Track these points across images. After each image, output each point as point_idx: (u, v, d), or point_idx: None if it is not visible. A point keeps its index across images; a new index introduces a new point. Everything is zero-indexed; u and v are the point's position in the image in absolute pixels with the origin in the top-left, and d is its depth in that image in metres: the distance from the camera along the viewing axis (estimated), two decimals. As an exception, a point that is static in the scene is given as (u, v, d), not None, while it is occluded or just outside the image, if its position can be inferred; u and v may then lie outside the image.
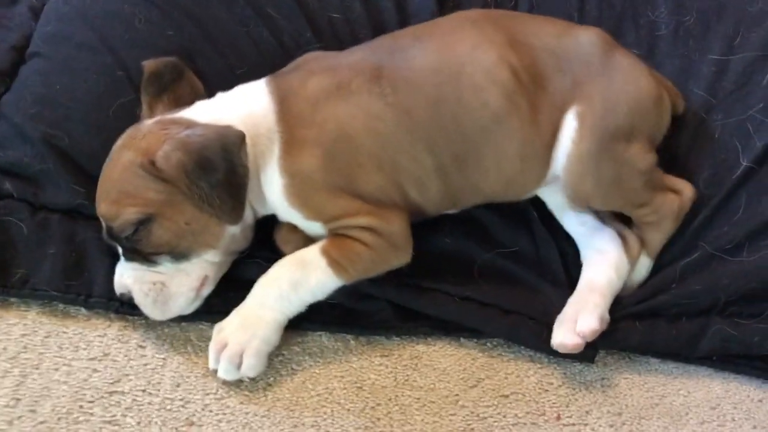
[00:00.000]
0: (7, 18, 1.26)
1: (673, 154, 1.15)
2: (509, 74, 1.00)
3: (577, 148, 1.01)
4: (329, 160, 0.96)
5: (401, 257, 1.01)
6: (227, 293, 1.00)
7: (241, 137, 0.92)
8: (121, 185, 0.93)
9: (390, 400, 0.97)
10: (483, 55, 1.00)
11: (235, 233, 0.98)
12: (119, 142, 0.97)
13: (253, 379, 0.96)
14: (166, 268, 0.95)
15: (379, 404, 0.96)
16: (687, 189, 1.09)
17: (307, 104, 0.98)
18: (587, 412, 0.99)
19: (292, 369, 0.98)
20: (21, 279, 0.99)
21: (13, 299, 0.99)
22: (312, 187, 0.97)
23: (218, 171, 0.91)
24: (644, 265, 1.10)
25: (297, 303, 0.97)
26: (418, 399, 0.98)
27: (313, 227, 1.00)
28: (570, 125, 1.01)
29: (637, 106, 1.03)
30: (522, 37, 1.03)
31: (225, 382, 0.95)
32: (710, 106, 1.17)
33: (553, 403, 0.99)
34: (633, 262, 1.08)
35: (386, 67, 1.00)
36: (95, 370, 0.94)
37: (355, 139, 0.97)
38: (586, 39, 1.05)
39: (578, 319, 1.00)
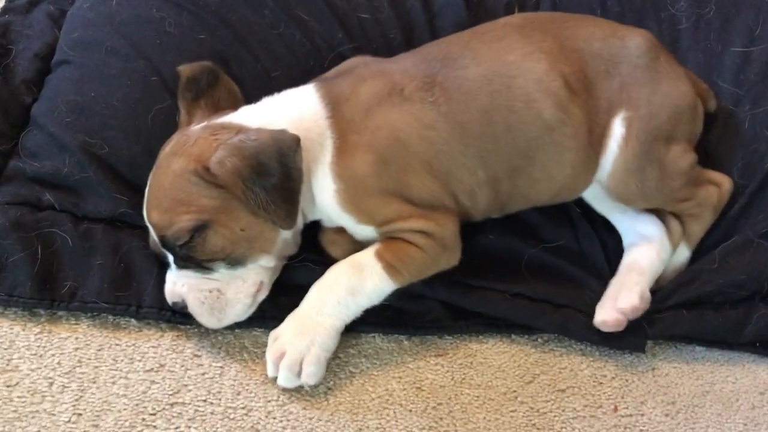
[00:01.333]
0: (25, 26, 1.23)
1: (705, 147, 1.16)
2: (561, 84, 1.00)
3: (622, 153, 1.02)
4: (382, 165, 0.96)
5: (451, 259, 1.01)
6: (278, 298, 0.99)
7: (296, 141, 0.91)
8: (174, 193, 0.91)
9: (450, 399, 0.97)
10: (534, 65, 1.00)
11: (287, 238, 0.97)
12: (167, 148, 0.96)
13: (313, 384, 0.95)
14: (221, 274, 0.94)
15: (440, 404, 0.96)
16: (725, 181, 1.12)
17: (359, 110, 0.97)
18: (642, 402, 1.00)
19: (350, 372, 0.98)
20: (69, 292, 0.96)
21: (61, 312, 0.97)
22: (365, 192, 0.96)
23: (274, 176, 0.90)
24: (683, 252, 1.11)
25: (354, 308, 0.96)
26: (478, 397, 0.98)
27: (364, 231, 0.99)
28: (617, 131, 1.02)
29: (676, 112, 1.04)
30: (570, 43, 1.04)
31: (285, 389, 0.94)
32: (737, 98, 1.19)
33: (609, 395, 1.00)
34: (674, 247, 1.10)
35: (438, 74, 0.99)
36: (153, 382, 0.93)
37: (408, 146, 0.97)
38: (633, 43, 1.05)
39: (618, 297, 1.02)
